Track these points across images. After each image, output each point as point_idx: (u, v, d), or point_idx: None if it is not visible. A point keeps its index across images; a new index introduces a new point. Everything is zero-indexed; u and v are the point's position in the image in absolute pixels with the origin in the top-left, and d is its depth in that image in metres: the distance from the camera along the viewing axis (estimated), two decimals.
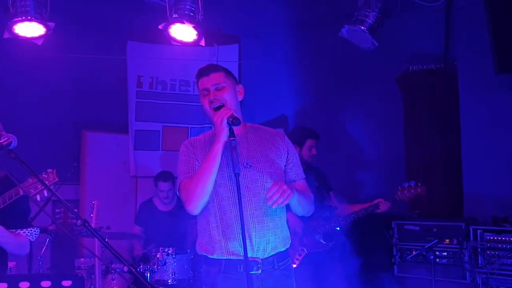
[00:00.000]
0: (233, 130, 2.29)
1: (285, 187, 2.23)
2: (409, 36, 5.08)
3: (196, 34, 4.16)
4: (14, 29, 3.86)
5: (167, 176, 5.02)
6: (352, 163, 4.67)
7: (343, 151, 5.02)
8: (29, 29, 3.92)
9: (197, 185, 2.30)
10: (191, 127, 6.04)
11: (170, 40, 4.24)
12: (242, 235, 2.17)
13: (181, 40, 4.23)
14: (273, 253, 2.38)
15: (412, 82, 5.11)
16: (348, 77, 5.38)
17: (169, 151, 5.98)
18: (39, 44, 4.01)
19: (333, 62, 5.37)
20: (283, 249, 2.44)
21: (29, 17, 3.81)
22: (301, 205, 2.46)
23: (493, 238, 3.90)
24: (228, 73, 2.52)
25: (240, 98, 2.54)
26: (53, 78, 5.10)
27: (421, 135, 4.93)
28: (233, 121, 2.28)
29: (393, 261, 4.40)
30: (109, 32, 5.40)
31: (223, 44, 5.97)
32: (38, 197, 2.50)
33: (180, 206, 5.17)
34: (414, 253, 4.18)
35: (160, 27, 4.08)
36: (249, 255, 2.28)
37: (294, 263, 4.00)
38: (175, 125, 6.01)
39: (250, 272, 2.27)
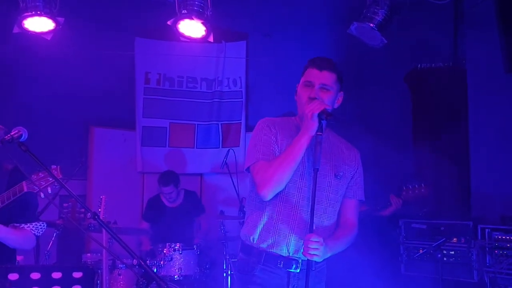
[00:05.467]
0: (322, 125, 2.20)
1: (320, 248, 2.15)
2: (418, 34, 5.05)
3: (205, 30, 4.16)
4: (24, 23, 3.88)
5: (167, 179, 5.00)
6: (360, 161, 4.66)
7: None
8: (38, 24, 3.94)
9: (276, 172, 2.22)
10: (197, 124, 6.05)
11: (178, 36, 4.24)
12: (310, 230, 2.15)
13: (190, 36, 4.23)
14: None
15: (420, 80, 5.08)
16: (356, 75, 5.35)
17: (176, 148, 6.00)
18: (48, 39, 4.03)
19: (341, 59, 5.32)
20: None
21: (38, 12, 3.82)
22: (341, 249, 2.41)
23: (501, 237, 3.89)
24: (339, 77, 2.38)
25: (337, 105, 2.41)
26: (61, 74, 5.12)
27: (429, 132, 4.91)
28: (326, 117, 2.17)
29: (400, 259, 4.39)
30: (118, 28, 5.41)
31: (231, 41, 5.97)
32: (42, 195, 2.48)
33: (187, 202, 5.18)
34: (421, 251, 4.17)
35: (169, 22, 4.09)
36: (291, 254, 2.30)
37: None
38: (182, 122, 6.02)
39: (289, 270, 2.29)
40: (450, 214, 4.41)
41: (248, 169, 2.38)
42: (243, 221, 2.52)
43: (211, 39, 4.27)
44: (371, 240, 4.22)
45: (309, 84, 2.32)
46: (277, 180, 2.23)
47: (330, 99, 2.33)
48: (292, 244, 2.29)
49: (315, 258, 2.18)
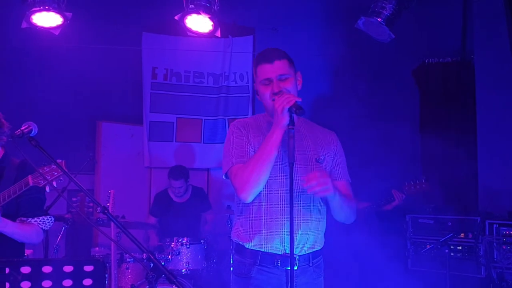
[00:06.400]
0: (293, 118, 2.16)
1: (327, 180, 2.13)
2: (426, 29, 5.03)
3: (212, 25, 4.16)
4: (32, 19, 3.90)
5: (178, 173, 5.03)
6: (367, 157, 4.64)
7: (357, 144, 5.00)
8: (46, 19, 3.95)
9: (253, 172, 2.19)
10: (204, 119, 6.05)
11: (186, 31, 4.25)
12: (290, 228, 2.08)
13: (197, 31, 4.23)
14: (310, 251, 2.33)
15: (428, 75, 5.07)
16: (364, 70, 5.34)
17: (183, 143, 6.01)
18: (56, 34, 4.05)
19: (349, 54, 5.33)
20: (319, 248, 2.39)
21: (46, 7, 3.84)
22: (344, 210, 2.34)
23: (509, 233, 3.87)
24: (290, 60, 2.36)
25: (299, 87, 2.39)
26: (69, 69, 5.14)
27: (437, 128, 4.90)
28: (296, 110, 2.14)
29: (407, 254, 4.39)
30: (125, 23, 5.42)
31: (238, 36, 5.97)
32: (47, 188, 2.49)
33: (194, 197, 5.20)
34: (428, 246, 4.16)
35: (176, 17, 4.09)
36: (287, 250, 2.25)
37: None
38: (188, 116, 6.03)
39: (286, 268, 2.25)
40: (458, 209, 4.40)
41: (226, 175, 2.35)
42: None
43: (218, 34, 4.27)
44: (378, 235, 4.23)
45: (268, 82, 2.30)
46: (254, 180, 2.19)
47: (293, 85, 2.31)
48: (286, 240, 2.25)
49: (328, 194, 2.14)
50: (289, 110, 2.15)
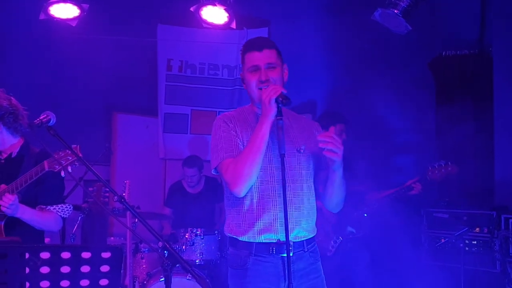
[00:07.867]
0: (281, 109, 2.17)
1: (341, 144, 2.17)
2: (443, 20, 4.97)
3: (227, 17, 4.17)
4: (49, 10, 3.96)
5: (193, 162, 5.08)
6: (383, 148, 4.63)
7: (373, 136, 4.97)
8: (64, 11, 4.02)
9: (245, 165, 2.18)
10: (218, 111, 6.06)
11: (201, 22, 4.27)
12: (285, 217, 2.08)
13: (212, 23, 4.25)
14: (304, 239, 2.34)
15: (445, 67, 5.00)
16: (380, 61, 5.30)
17: (197, 135, 6.04)
18: (73, 25, 4.11)
19: (365, 46, 5.29)
20: (312, 235, 2.40)
21: None
22: (340, 191, 2.35)
23: None
24: (279, 51, 2.36)
25: (286, 78, 2.40)
26: (85, 60, 5.19)
27: (453, 121, 4.85)
28: (282, 100, 2.14)
29: (421, 248, 4.36)
30: (141, 14, 5.45)
31: (253, 28, 5.95)
32: (62, 173, 2.50)
33: (208, 188, 5.24)
34: (443, 241, 4.14)
35: (192, 9, 4.11)
36: (281, 238, 2.24)
37: (330, 251, 4.00)
38: (203, 108, 6.05)
39: (281, 255, 2.25)
40: (473, 203, 4.36)
41: (216, 170, 2.35)
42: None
43: (233, 25, 4.28)
44: (392, 228, 4.21)
45: (255, 69, 2.30)
46: (247, 174, 2.19)
47: (279, 76, 2.32)
48: (279, 230, 2.25)
49: (338, 157, 2.17)
50: (276, 100, 2.15)
